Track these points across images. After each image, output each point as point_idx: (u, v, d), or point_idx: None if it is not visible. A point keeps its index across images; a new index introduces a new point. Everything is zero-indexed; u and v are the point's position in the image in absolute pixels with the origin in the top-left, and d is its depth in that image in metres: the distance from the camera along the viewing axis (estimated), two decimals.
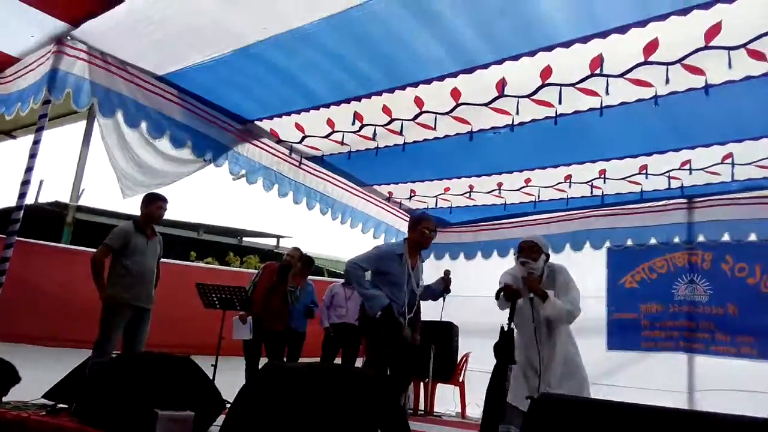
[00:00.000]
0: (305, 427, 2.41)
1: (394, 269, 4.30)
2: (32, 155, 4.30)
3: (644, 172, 5.22)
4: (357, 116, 4.98)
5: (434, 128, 4.87)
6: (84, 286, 4.65)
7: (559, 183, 5.75)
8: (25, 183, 4.28)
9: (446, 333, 6.64)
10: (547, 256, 3.79)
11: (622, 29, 3.47)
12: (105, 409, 3.17)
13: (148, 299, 4.73)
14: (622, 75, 3.86)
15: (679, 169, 5.12)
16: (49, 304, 6.38)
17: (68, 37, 4.29)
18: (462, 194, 6.47)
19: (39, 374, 3.95)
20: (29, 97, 4.40)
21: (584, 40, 3.61)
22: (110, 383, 3.34)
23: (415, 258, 4.48)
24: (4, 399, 3.48)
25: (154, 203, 4.85)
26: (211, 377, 4.18)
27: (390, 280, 4.27)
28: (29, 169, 4.27)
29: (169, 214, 5.05)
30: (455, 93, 4.43)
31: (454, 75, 4.20)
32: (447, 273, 4.52)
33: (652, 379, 5.49)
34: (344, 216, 6.67)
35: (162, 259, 4.99)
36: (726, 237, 5.62)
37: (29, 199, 4.91)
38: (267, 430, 2.52)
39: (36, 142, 4.32)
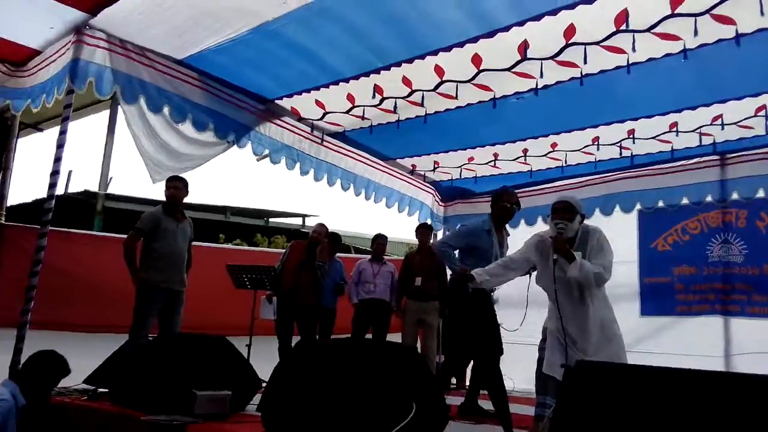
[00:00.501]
0: (341, 402, 2.42)
1: (483, 244, 4.34)
2: (59, 146, 4.36)
3: (674, 129, 5.08)
4: (377, 89, 4.93)
5: (456, 97, 4.80)
6: (117, 272, 4.73)
7: (586, 146, 5.63)
8: (55, 173, 4.34)
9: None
10: (582, 216, 3.52)
11: None
12: (144, 392, 3.22)
13: (180, 282, 4.80)
14: (648, 29, 3.74)
15: (710, 124, 4.97)
16: (85, 291, 6.53)
17: (87, 26, 4.31)
18: (486, 163, 6.40)
19: (78, 360, 4.03)
20: (53, 88, 4.44)
21: None
22: (148, 366, 3.40)
23: (501, 233, 4.50)
24: None
25: (167, 185, 4.88)
26: (246, 357, 4.22)
27: (479, 255, 4.27)
28: (57, 159, 4.33)
29: (197, 198, 5.10)
30: (476, 59, 4.34)
31: (474, 40, 4.11)
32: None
33: (688, 344, 5.39)
34: (368, 191, 6.66)
35: (193, 242, 5.04)
36: (761, 193, 5.45)
37: (59, 190, 4.99)
38: (304, 406, 2.53)
39: (62, 133, 4.38)
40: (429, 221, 7.15)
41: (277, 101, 5.46)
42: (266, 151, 5.62)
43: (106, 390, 3.79)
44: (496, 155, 6.17)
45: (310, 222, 18.27)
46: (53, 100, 4.47)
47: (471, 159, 6.39)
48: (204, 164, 5.23)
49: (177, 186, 4.87)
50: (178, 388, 3.11)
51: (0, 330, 4.20)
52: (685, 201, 5.87)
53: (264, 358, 4.62)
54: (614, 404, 2.04)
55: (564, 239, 3.43)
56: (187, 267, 4.96)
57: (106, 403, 3.46)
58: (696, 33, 3.58)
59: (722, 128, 4.95)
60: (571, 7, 3.63)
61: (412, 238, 6.96)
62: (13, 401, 2.85)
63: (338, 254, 6.80)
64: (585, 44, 3.93)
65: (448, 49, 4.25)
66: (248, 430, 2.72)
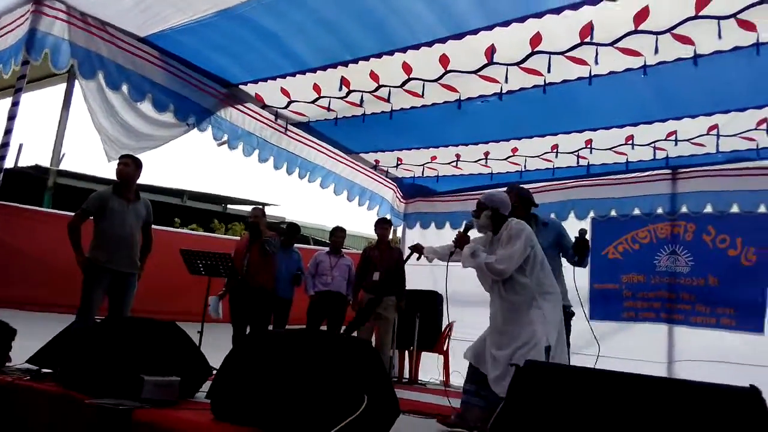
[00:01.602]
0: (293, 392, 2.42)
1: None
2: (11, 117, 4.19)
3: (630, 142, 5.25)
4: (344, 82, 4.92)
5: (422, 96, 4.85)
6: (67, 250, 4.61)
7: (545, 153, 5.76)
8: (4, 146, 4.17)
9: (431, 302, 6.69)
10: (493, 210, 3.59)
11: None
12: (89, 374, 3.15)
13: (130, 264, 4.70)
14: (612, 44, 3.84)
15: (664, 139, 5.14)
16: (33, 268, 6.33)
17: None
18: (449, 163, 6.46)
19: (23, 340, 3.92)
20: (10, 59, 4.26)
21: (575, 6, 3.58)
22: (94, 348, 3.32)
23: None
24: None
25: (118, 162, 4.76)
26: (197, 344, 4.17)
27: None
28: (8, 132, 4.17)
29: (153, 180, 5.01)
30: (444, 59, 4.38)
31: (443, 41, 4.15)
32: (582, 233, 4.22)
33: (633, 349, 5.58)
34: (326, 182, 6.64)
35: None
36: (708, 208, 5.67)
37: (8, 163, 4.82)
38: (255, 395, 2.53)
39: (15, 104, 4.21)
40: (389, 216, 7.18)
41: (241, 86, 5.38)
42: (225, 137, 5.55)
43: (50, 371, 3.69)
44: (458, 156, 6.24)
45: (270, 211, 18.12)
46: (11, 71, 4.31)
47: (434, 158, 6.45)
48: (163, 145, 5.13)
49: (127, 163, 4.75)
50: (125, 372, 3.05)
51: None
52: (636, 211, 6.05)
53: (216, 346, 4.56)
54: (559, 405, 2.11)
55: (462, 234, 3.68)
56: (145, 250, 4.87)
57: (51, 384, 3.37)
58: (657, 50, 3.70)
59: (676, 144, 5.13)
60: (539, 15, 3.69)
61: (370, 232, 6.99)
62: None
63: (296, 245, 6.78)
64: (550, 53, 4.01)
65: (417, 47, 4.27)
66: (196, 416, 2.69)
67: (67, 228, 4.59)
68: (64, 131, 11.88)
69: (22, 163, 12.77)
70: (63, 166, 12.17)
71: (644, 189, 5.99)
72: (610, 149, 5.46)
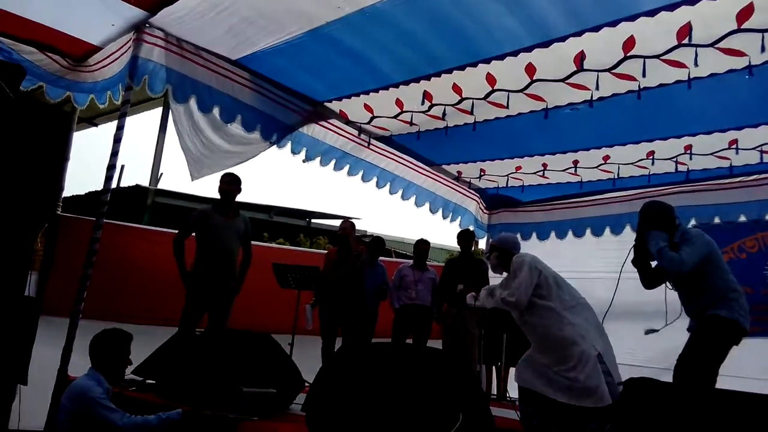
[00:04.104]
0: (387, 409, 2.42)
1: None
2: (117, 140, 4.44)
3: (734, 146, 4.92)
4: (426, 96, 4.93)
5: (507, 106, 4.76)
6: (166, 265, 4.85)
7: (640, 160, 5.50)
8: (111, 167, 4.41)
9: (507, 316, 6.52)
10: (501, 251, 3.94)
11: None
12: (191, 385, 3.29)
13: (230, 278, 4.88)
14: (712, 44, 3.62)
15: None
16: (135, 282, 6.72)
17: (147, 25, 4.41)
18: (535, 172, 6.31)
19: None
20: (118, 85, 4.56)
21: (671, 7, 3.41)
22: (194, 360, 3.46)
23: None
24: None
25: (220, 180, 4.99)
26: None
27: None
28: (114, 154, 4.40)
29: (243, 197, 5.18)
30: (530, 68, 4.29)
31: (529, 49, 4.06)
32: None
33: (743, 366, 5.19)
34: (407, 193, 6.67)
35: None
36: None
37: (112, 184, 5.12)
38: (348, 410, 2.54)
39: (120, 128, 4.46)
40: (472, 228, 7.10)
41: (326, 103, 5.51)
42: (304, 150, 5.70)
43: (153, 382, 3.87)
44: (545, 165, 6.08)
45: None
46: (120, 96, 4.59)
47: (519, 168, 6.32)
48: (242, 163, 5.29)
49: (230, 181, 4.98)
50: (224, 383, 3.16)
51: (51, 318, 4.31)
52: (742, 218, 5.67)
53: (306, 358, 4.65)
54: (667, 423, 2.01)
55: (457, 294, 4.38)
56: (244, 264, 5.05)
57: (153, 395, 3.54)
58: (763, 49, 3.45)
59: None
60: (632, 19, 3.54)
61: (453, 244, 6.93)
62: (101, 390, 2.96)
63: (380, 258, 6.82)
64: (644, 57, 3.83)
65: (502, 57, 4.21)
66: (295, 429, 2.74)
67: (172, 244, 4.84)
68: (162, 153, 12.59)
69: (123, 184, 13.65)
70: (161, 186, 12.90)
71: (751, 194, 5.58)
72: (711, 154, 5.14)
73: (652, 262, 3.89)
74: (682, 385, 3.45)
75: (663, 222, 3.78)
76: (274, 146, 5.43)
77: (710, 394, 2.10)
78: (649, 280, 3.97)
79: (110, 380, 3.11)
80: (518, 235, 7.25)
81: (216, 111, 4.90)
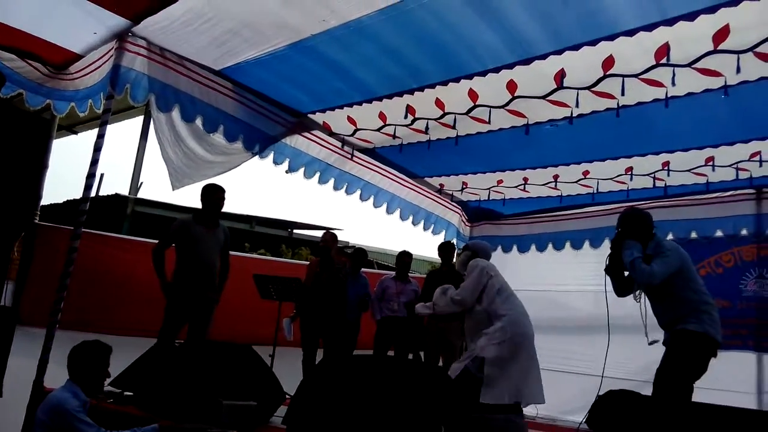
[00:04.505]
0: (369, 421, 2.42)
1: None
2: (97, 149, 4.39)
3: (711, 163, 5.02)
4: (409, 110, 4.96)
5: (488, 122, 4.80)
6: (145, 275, 4.80)
7: (619, 175, 5.59)
8: (91, 176, 4.37)
9: None
10: (472, 252, 4.37)
11: (691, 16, 3.32)
12: (170, 398, 3.25)
13: (211, 289, 4.85)
14: (689, 64, 3.70)
15: (748, 160, 4.90)
16: (114, 293, 6.62)
17: (129, 34, 4.38)
18: (516, 186, 6.38)
19: None
20: (99, 94, 4.52)
21: (650, 28, 3.48)
22: (174, 372, 3.43)
23: None
24: None
25: (215, 194, 4.96)
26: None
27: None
28: (94, 162, 4.35)
29: (224, 207, 5.15)
30: (511, 85, 4.35)
31: (511, 66, 4.12)
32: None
33: (719, 378, 5.25)
34: (392, 206, 6.70)
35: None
36: None
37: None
38: (329, 423, 2.54)
39: (100, 136, 4.41)
40: (454, 240, 7.14)
41: (309, 115, 5.52)
42: (287, 161, 5.69)
43: (132, 393, 3.82)
44: (525, 179, 6.15)
45: None
46: (101, 105, 4.55)
47: (500, 181, 6.38)
48: (224, 173, 5.27)
49: (224, 196, 5.01)
50: (204, 395, 3.14)
51: (27, 329, 4.23)
52: (719, 233, 5.78)
53: (287, 369, 4.63)
54: None
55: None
56: (223, 275, 5.02)
57: (132, 407, 3.50)
58: (738, 70, 3.53)
59: (760, 165, 4.89)
60: (611, 38, 3.61)
61: (435, 256, 6.96)
62: (78, 403, 2.92)
63: (363, 269, 6.81)
64: (623, 76, 3.90)
65: (484, 73, 4.25)
66: None
67: (152, 254, 4.79)
68: (142, 162, 12.50)
69: (102, 192, 13.48)
70: (140, 195, 12.77)
71: (727, 209, 5.71)
72: (689, 170, 5.24)
73: (625, 272, 3.95)
74: (659, 399, 3.51)
75: (641, 230, 3.85)
76: (257, 157, 5.41)
77: (686, 408, 2.12)
78: (621, 289, 4.06)
79: (88, 393, 3.07)
80: (499, 247, 7.37)
81: (199, 121, 4.87)
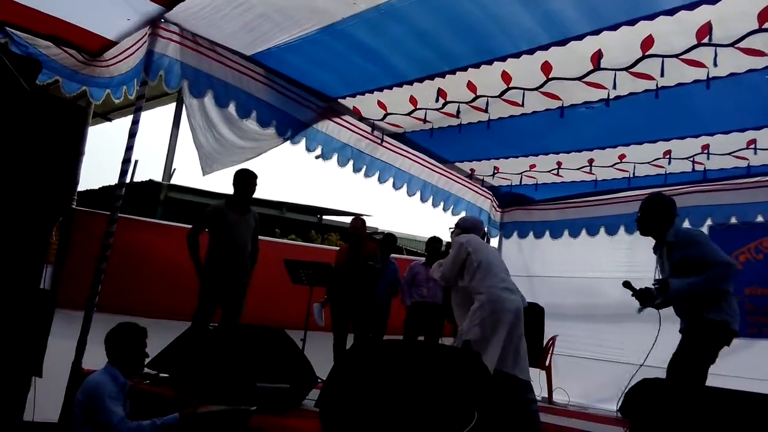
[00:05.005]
0: (401, 406, 2.41)
1: None
2: (132, 135, 4.45)
3: (752, 146, 4.87)
4: (440, 93, 4.92)
5: (522, 105, 4.74)
6: (180, 259, 4.88)
7: (656, 159, 5.46)
8: (126, 161, 4.42)
9: (533, 316, 6.48)
10: (463, 230, 4.33)
11: None
12: (205, 380, 3.30)
13: (243, 272, 4.90)
14: (732, 44, 3.58)
15: None
16: (149, 276, 6.73)
17: (162, 20, 4.41)
18: (549, 171, 6.28)
19: None
20: (133, 80, 4.56)
21: (691, 6, 3.38)
22: (209, 354, 3.47)
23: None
24: None
25: (248, 180, 4.99)
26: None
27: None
28: (129, 148, 4.41)
29: (255, 193, 5.18)
30: (546, 67, 4.27)
31: (546, 48, 4.04)
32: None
33: (758, 368, 5.15)
34: (424, 193, 6.66)
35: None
36: None
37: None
38: (362, 407, 2.54)
39: (135, 122, 4.46)
40: (486, 227, 7.09)
41: (339, 100, 5.50)
42: (319, 148, 5.68)
43: (167, 375, 3.89)
44: (559, 163, 6.05)
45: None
46: (134, 91, 4.60)
47: (533, 166, 6.29)
48: (252, 158, 5.28)
49: (256, 183, 5.04)
50: (239, 378, 3.17)
51: (66, 311, 4.33)
52: (760, 219, 5.61)
53: (317, 354, 4.65)
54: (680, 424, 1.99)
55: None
56: (252, 259, 5.06)
57: (168, 389, 3.56)
58: None
59: None
60: (651, 17, 3.51)
61: None
62: (115, 388, 2.98)
63: (392, 255, 6.81)
64: (663, 56, 3.80)
65: (518, 55, 4.19)
66: (308, 425, 2.73)
67: (186, 239, 4.86)
68: (175, 148, 12.64)
69: (137, 179, 13.71)
70: (173, 181, 12.93)
71: None
72: (729, 154, 5.09)
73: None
74: (673, 385, 3.43)
75: (665, 218, 3.76)
76: (287, 143, 5.42)
77: (707, 394, 2.07)
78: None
79: (127, 374, 3.13)
80: (530, 233, 7.27)
81: (232, 106, 4.90)
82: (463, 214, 7.16)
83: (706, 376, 3.52)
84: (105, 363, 3.14)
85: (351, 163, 5.93)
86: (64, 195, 4.57)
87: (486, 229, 7.06)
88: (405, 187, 6.50)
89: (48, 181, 3.35)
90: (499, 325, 3.78)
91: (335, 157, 5.80)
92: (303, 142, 5.54)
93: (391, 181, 6.35)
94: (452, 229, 4.52)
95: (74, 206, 6.44)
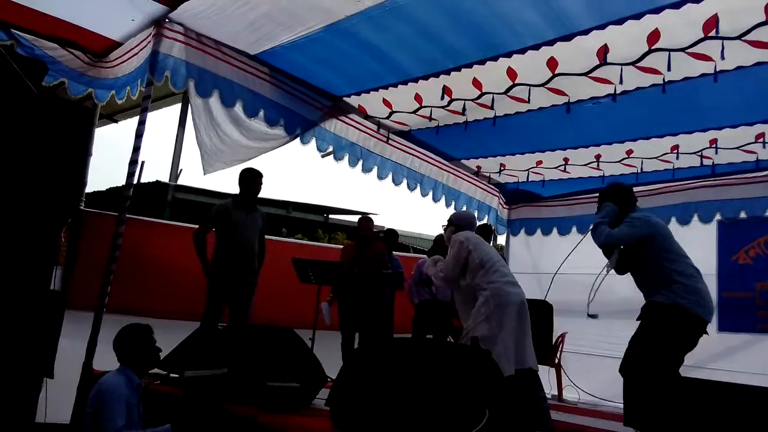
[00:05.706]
0: (411, 404, 2.41)
1: None
2: (138, 135, 4.45)
3: (761, 140, 4.83)
4: (446, 91, 4.90)
5: (528, 101, 4.71)
6: (187, 259, 4.90)
7: (664, 154, 5.42)
8: (133, 162, 4.43)
9: (542, 313, 6.46)
10: (456, 227, 4.27)
11: None
12: (215, 380, 3.30)
13: (250, 272, 4.91)
14: (739, 37, 3.55)
15: None
16: (157, 277, 6.76)
17: (166, 20, 4.41)
18: (556, 167, 6.26)
19: None
20: (137, 81, 4.56)
21: None
22: (218, 354, 3.48)
23: None
24: None
25: (254, 179, 5.00)
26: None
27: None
28: (136, 149, 4.42)
29: (261, 192, 5.19)
30: (552, 62, 4.25)
31: (551, 43, 4.02)
32: None
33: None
34: (436, 194, 6.66)
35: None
36: None
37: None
38: (372, 405, 2.54)
39: (141, 123, 4.47)
40: (493, 225, 7.10)
41: (345, 98, 5.50)
42: (330, 148, 5.68)
43: (177, 375, 3.90)
44: (566, 160, 6.02)
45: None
46: (138, 92, 4.61)
47: (539, 162, 6.26)
48: (254, 158, 5.29)
49: (261, 182, 5.06)
50: (248, 377, 3.18)
51: (76, 312, 4.36)
52: None
53: (326, 353, 4.65)
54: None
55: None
56: (260, 258, 5.07)
57: (178, 389, 3.57)
58: None
59: None
60: (657, 11, 3.48)
61: None
62: (127, 391, 3.00)
63: (396, 253, 6.82)
64: (669, 50, 3.77)
65: (523, 51, 4.16)
66: (318, 423, 2.74)
67: (194, 238, 4.88)
68: (181, 149, 12.66)
69: (144, 180, 13.75)
70: (180, 182, 12.97)
71: None
72: (737, 148, 5.06)
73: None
74: (628, 374, 3.47)
75: (617, 200, 3.82)
76: (293, 142, 5.42)
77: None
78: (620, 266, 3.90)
79: (142, 372, 3.15)
80: (538, 230, 7.25)
81: (239, 105, 4.90)
82: (475, 213, 7.15)
83: (673, 362, 3.40)
84: (116, 365, 3.15)
85: (361, 163, 5.93)
86: (73, 196, 4.60)
87: (493, 227, 7.06)
88: (419, 188, 6.49)
89: (56, 182, 3.37)
90: (505, 319, 3.79)
91: (347, 157, 5.79)
92: (313, 141, 5.53)
93: (405, 182, 6.33)
94: (445, 226, 4.48)
95: (82, 208, 6.47)
